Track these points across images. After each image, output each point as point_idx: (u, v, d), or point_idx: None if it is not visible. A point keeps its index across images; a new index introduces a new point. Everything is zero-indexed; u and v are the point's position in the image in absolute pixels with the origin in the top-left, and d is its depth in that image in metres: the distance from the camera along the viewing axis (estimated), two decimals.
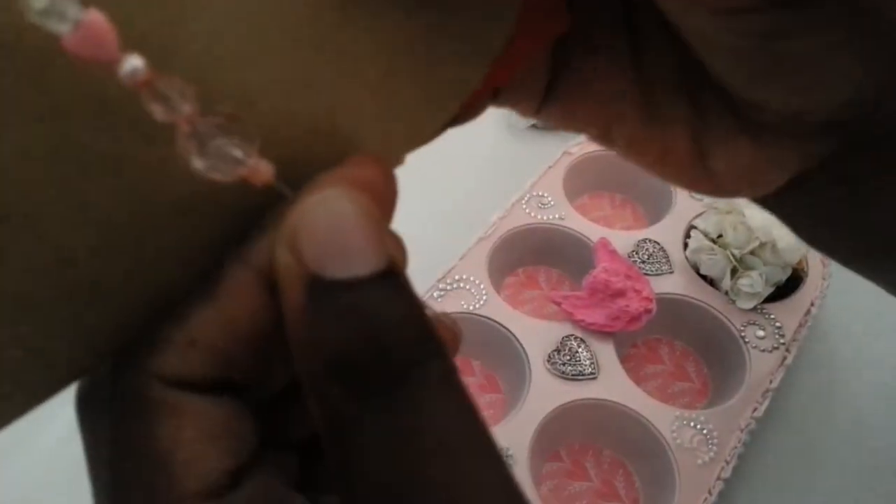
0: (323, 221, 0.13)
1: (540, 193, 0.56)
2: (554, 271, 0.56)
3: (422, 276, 0.50)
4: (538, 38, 0.18)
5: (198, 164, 0.13)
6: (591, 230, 0.53)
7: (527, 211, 0.54)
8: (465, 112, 0.18)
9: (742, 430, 0.43)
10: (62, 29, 0.11)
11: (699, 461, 0.42)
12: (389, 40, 0.15)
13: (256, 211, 0.14)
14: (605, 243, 0.51)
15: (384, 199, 0.15)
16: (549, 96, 0.21)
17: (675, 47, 0.18)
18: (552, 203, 0.55)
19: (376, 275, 0.13)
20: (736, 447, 0.43)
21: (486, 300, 0.49)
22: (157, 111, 0.12)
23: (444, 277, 0.50)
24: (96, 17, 0.11)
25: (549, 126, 0.22)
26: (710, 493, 0.41)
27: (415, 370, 0.13)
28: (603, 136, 0.21)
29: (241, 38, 0.13)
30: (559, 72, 0.20)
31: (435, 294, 0.49)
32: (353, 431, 0.13)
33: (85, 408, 0.15)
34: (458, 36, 0.16)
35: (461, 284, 0.50)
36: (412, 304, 0.13)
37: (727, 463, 0.42)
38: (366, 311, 0.13)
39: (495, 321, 0.48)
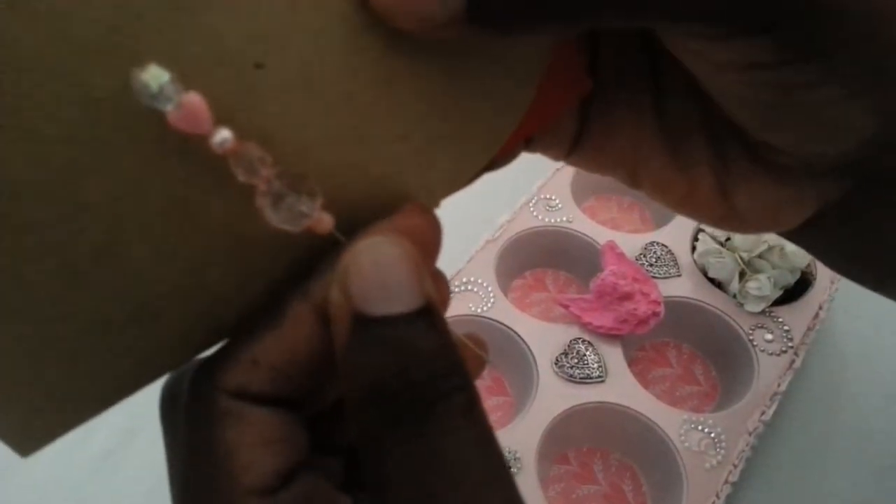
0: (368, 264, 0.15)
1: (547, 196, 0.56)
2: (561, 274, 0.56)
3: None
4: (560, 100, 0.20)
5: (272, 217, 0.15)
6: (598, 233, 0.53)
7: (534, 213, 0.54)
8: (498, 160, 0.20)
9: (750, 434, 0.43)
10: (168, 108, 0.13)
11: (707, 465, 0.42)
12: (432, 105, 0.17)
13: (308, 253, 0.17)
14: (612, 246, 0.51)
15: (428, 243, 0.17)
16: (578, 143, 0.22)
17: (695, 95, 0.19)
18: (560, 206, 0.55)
19: (412, 313, 0.15)
20: (744, 451, 0.43)
21: (493, 303, 0.49)
22: (240, 173, 0.14)
23: (451, 280, 0.50)
24: (195, 98, 0.13)
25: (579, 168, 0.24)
26: (717, 496, 0.41)
27: (440, 402, 0.14)
28: (630, 179, 0.23)
29: (300, 100, 0.15)
30: (588, 121, 0.22)
31: None
32: (383, 453, 0.14)
33: (167, 410, 0.17)
34: (489, 98, 0.18)
35: (469, 287, 0.50)
36: (443, 340, 0.15)
37: (735, 466, 0.42)
38: (400, 346, 0.14)
39: (503, 324, 0.48)
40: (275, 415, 0.16)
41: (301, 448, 0.16)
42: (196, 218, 0.15)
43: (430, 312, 0.15)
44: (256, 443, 0.15)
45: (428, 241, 0.17)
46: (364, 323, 0.14)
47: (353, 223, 0.16)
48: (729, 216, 0.21)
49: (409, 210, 0.17)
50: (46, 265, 0.14)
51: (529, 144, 0.23)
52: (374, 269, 0.15)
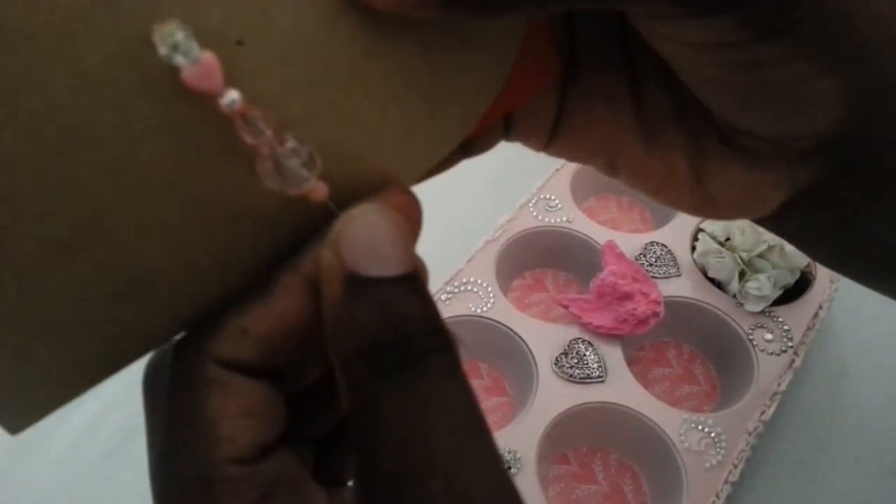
0: (362, 229, 0.15)
1: (547, 196, 0.56)
2: (561, 274, 0.56)
3: (429, 279, 0.50)
4: (531, 82, 0.21)
5: (272, 181, 0.15)
6: (598, 233, 0.53)
7: (534, 214, 0.55)
8: (473, 146, 0.21)
9: (750, 434, 0.43)
10: (183, 63, 0.14)
11: (707, 464, 0.42)
12: (408, 82, 0.17)
13: (295, 233, 0.17)
14: (612, 246, 0.51)
15: (412, 222, 0.18)
16: (556, 131, 0.23)
17: (669, 81, 0.20)
18: (559, 206, 0.55)
19: (400, 277, 0.15)
20: (744, 450, 0.43)
21: (493, 303, 0.49)
22: (247, 136, 0.15)
23: (451, 280, 0.50)
24: (211, 57, 0.14)
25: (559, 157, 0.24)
26: (717, 496, 0.41)
27: (428, 357, 0.15)
28: (608, 166, 0.23)
29: (280, 76, 0.15)
30: (565, 109, 0.22)
31: (442, 297, 0.49)
32: (371, 404, 0.15)
33: (150, 385, 0.17)
34: (463, 76, 0.18)
35: (469, 287, 0.50)
36: (429, 304, 0.16)
37: (735, 466, 0.42)
38: (390, 304, 0.15)
39: (502, 324, 0.48)
40: (259, 387, 0.16)
41: (281, 424, 0.17)
42: (185, 193, 0.15)
43: (416, 279, 0.16)
44: (240, 413, 0.16)
45: (411, 219, 0.17)
46: (356, 282, 0.15)
47: (335, 201, 0.16)
48: (704, 202, 0.22)
49: (393, 189, 0.17)
50: (29, 238, 0.14)
51: (509, 133, 0.23)
52: (366, 234, 0.15)
